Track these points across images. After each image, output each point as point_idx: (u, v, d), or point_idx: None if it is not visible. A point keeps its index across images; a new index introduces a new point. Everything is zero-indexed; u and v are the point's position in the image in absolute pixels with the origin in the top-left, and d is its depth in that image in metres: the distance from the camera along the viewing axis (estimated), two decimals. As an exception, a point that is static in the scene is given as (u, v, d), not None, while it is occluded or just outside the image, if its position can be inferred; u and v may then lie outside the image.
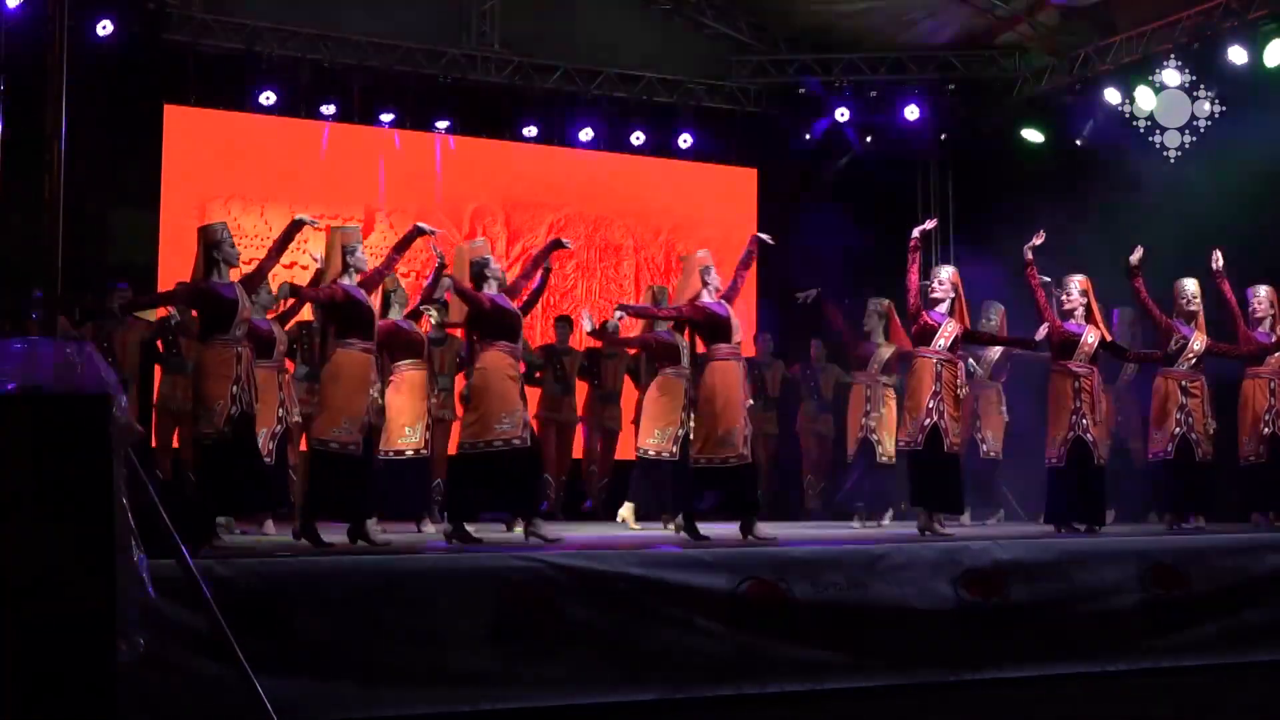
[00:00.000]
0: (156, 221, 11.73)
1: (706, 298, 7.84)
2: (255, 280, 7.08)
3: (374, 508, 7.20)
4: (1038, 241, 8.34)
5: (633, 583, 5.99)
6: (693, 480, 7.85)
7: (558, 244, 8.03)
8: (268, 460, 7.90)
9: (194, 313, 7.59)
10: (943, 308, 8.14)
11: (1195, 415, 8.62)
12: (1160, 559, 7.08)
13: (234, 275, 6.93)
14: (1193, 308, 8.73)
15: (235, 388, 6.65)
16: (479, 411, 7.09)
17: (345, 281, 6.98)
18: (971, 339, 8.65)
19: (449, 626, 5.65)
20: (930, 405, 7.92)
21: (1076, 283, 8.36)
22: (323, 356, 7.16)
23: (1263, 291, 9.04)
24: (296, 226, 7.11)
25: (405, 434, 8.12)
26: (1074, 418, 8.16)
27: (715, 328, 7.81)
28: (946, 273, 8.30)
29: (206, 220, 11.80)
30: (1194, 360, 8.66)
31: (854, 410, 9.91)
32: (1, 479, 3.70)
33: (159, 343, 9.87)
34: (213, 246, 6.83)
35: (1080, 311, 8.32)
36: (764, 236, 8.31)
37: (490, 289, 7.28)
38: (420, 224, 7.47)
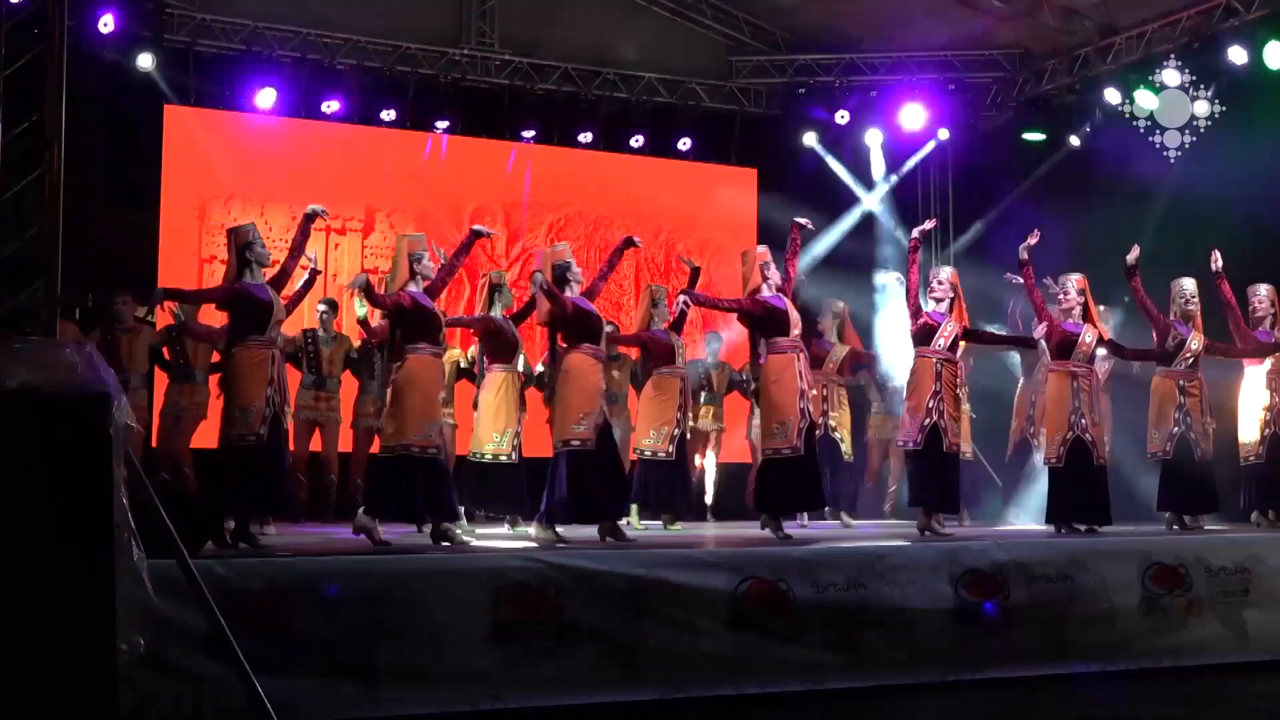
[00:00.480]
0: (156, 221, 11.73)
1: (766, 292, 7.88)
2: (281, 281, 7.11)
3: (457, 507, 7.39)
4: (1033, 241, 8.35)
5: (633, 583, 5.99)
6: (761, 473, 7.95)
7: (629, 242, 8.12)
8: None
9: (208, 314, 7.60)
10: (942, 307, 8.14)
11: (1194, 414, 8.62)
12: (1160, 559, 7.09)
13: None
14: (1191, 307, 8.73)
15: (270, 389, 6.69)
16: (556, 412, 7.41)
17: (413, 288, 7.09)
18: (971, 338, 8.65)
19: (449, 626, 5.65)
20: (931, 405, 7.92)
21: (1074, 281, 8.36)
22: (389, 362, 7.21)
23: (1263, 290, 9.05)
24: (310, 219, 7.14)
25: None
26: (1073, 417, 8.15)
27: (775, 321, 7.85)
28: (946, 272, 8.30)
29: (206, 220, 11.89)
30: (1191, 360, 8.67)
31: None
32: (1, 479, 3.70)
33: (165, 350, 9.85)
34: (244, 247, 6.90)
35: (1078, 310, 8.32)
36: (803, 221, 8.19)
37: (571, 292, 7.48)
38: (477, 227, 7.60)
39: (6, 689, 3.66)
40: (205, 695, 5.08)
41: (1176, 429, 8.61)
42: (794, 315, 7.91)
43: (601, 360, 7.59)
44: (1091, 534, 7.93)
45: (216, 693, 5.01)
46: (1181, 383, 8.66)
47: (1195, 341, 8.68)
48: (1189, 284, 8.82)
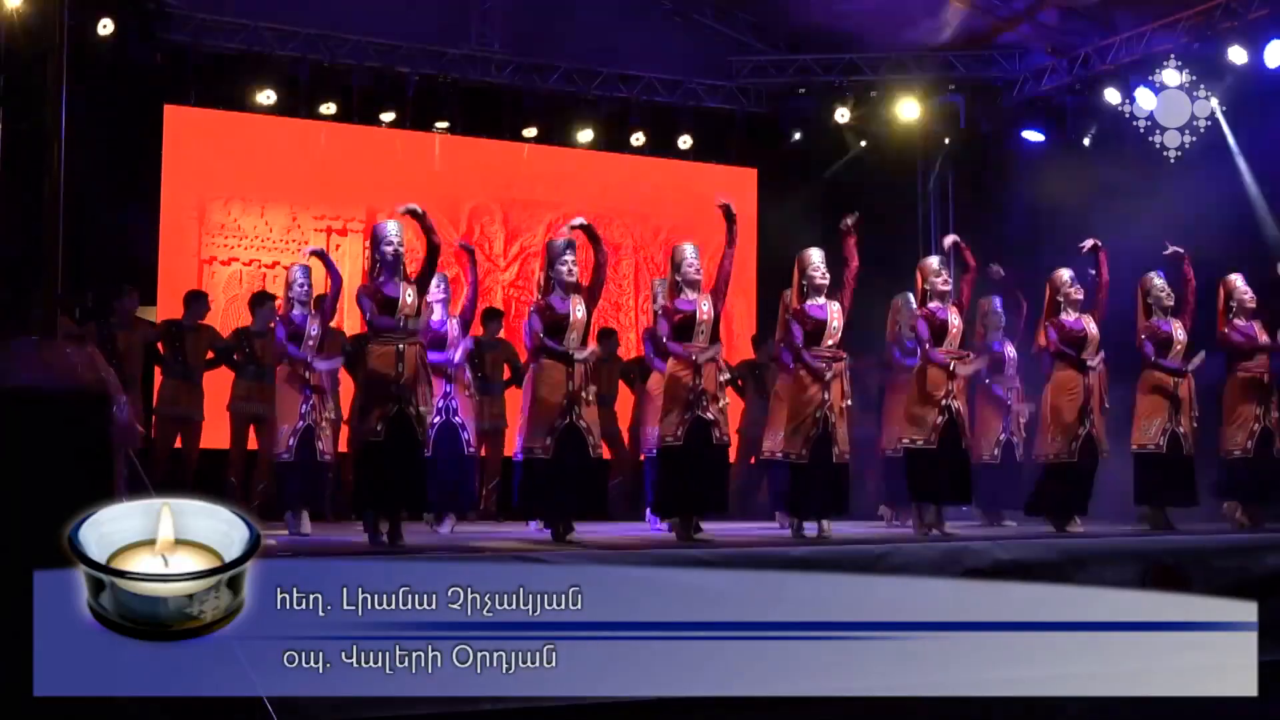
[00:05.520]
0: (156, 221, 11.72)
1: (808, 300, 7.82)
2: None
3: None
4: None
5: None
6: (779, 476, 8.04)
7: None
8: (286, 457, 8.00)
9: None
10: (948, 301, 8.16)
11: (1184, 409, 8.60)
12: (1160, 559, 7.08)
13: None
14: (1167, 301, 8.68)
15: (394, 387, 6.65)
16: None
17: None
18: None
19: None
20: (945, 403, 7.96)
21: (1071, 275, 8.39)
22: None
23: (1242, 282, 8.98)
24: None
25: None
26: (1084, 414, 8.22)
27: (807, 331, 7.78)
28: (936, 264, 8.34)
29: (206, 220, 11.90)
30: (1180, 352, 8.65)
31: None
32: (1, 478, 3.70)
33: (160, 346, 9.85)
34: (376, 244, 6.98)
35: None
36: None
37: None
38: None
39: (7, 687, 3.66)
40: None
41: (1169, 424, 8.58)
42: (834, 324, 7.77)
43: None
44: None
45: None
46: (1173, 379, 8.64)
47: (1180, 333, 8.67)
48: (1158, 278, 8.74)
